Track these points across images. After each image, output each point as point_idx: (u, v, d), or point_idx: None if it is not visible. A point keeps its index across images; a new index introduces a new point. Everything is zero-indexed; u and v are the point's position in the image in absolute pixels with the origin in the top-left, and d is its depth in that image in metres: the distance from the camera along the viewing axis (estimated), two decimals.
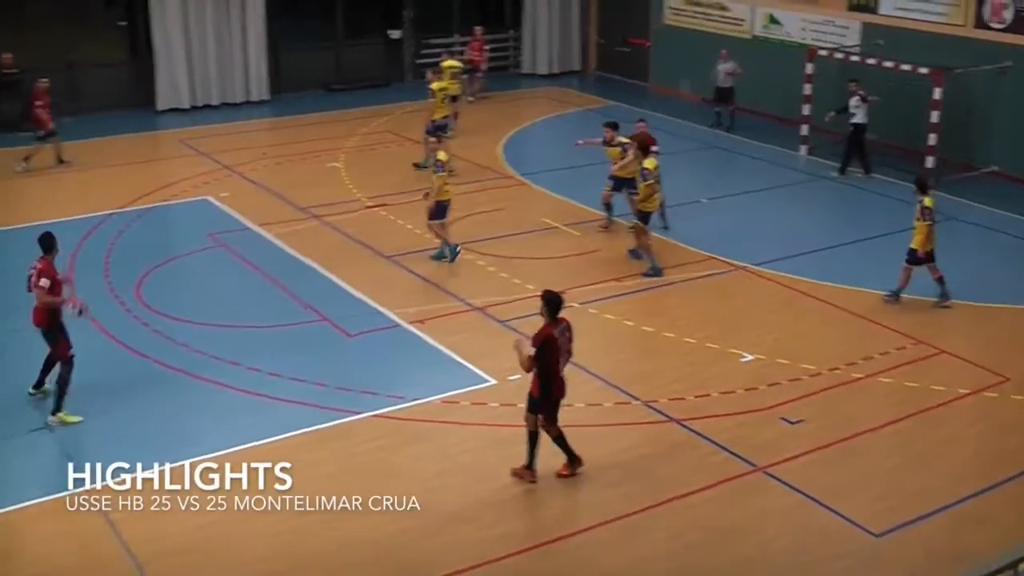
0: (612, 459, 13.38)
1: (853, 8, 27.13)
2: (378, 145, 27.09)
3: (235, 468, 13.01)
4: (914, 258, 17.32)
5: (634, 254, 19.01)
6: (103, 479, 12.38)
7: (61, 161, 25.01)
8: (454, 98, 26.66)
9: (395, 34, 34.31)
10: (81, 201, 22.70)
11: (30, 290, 13.97)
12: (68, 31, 30.71)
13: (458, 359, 15.88)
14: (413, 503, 12.40)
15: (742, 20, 30.13)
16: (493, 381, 15.18)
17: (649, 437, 13.94)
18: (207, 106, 30.92)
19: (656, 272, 18.51)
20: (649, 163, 18.58)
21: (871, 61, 24.85)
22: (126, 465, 12.93)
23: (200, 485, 12.73)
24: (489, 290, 18.10)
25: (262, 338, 16.55)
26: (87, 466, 12.79)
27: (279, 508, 12.28)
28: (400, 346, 16.42)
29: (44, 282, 13.84)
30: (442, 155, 19.16)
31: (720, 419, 14.17)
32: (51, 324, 14.05)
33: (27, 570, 11.42)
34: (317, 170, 24.92)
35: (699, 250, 19.31)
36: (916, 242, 17.25)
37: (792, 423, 14.11)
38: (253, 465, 12.91)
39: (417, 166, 24.30)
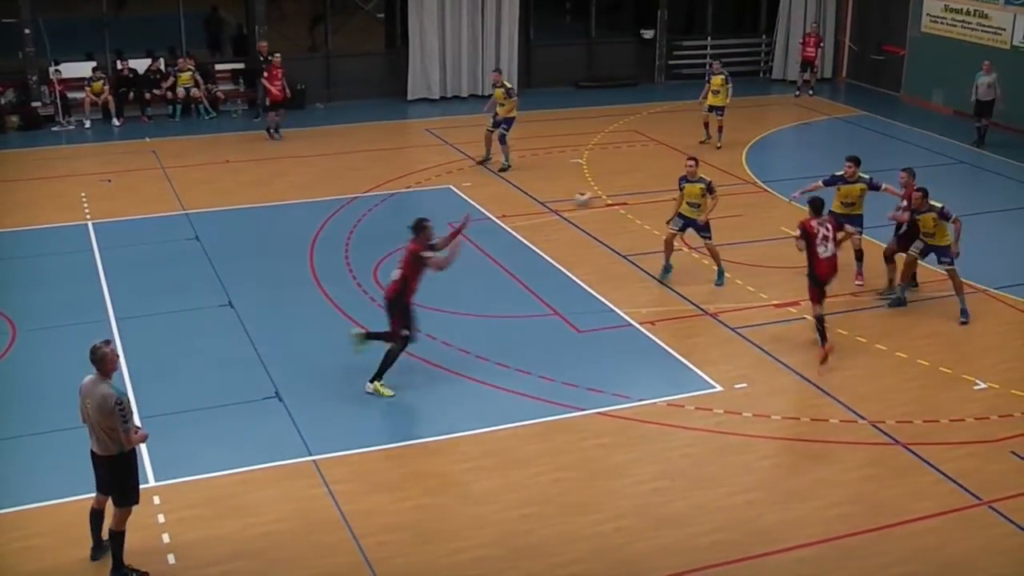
0: (835, 478, 13.25)
1: None
2: (623, 144, 27.30)
3: (458, 454, 13.54)
4: None
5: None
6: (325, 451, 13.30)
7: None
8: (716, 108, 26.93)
9: (648, 34, 34.40)
10: (328, 184, 23.74)
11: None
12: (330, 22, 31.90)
13: (686, 363, 15.95)
14: (630, 503, 12.64)
15: (1002, 29, 29.02)
16: (719, 388, 15.22)
17: (874, 459, 13.70)
18: (456, 97, 31.81)
19: None
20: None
21: None
22: (349, 440, 13.72)
23: (422, 467, 13.28)
24: (722, 296, 18.10)
25: (493, 328, 16.99)
26: (309, 439, 13.56)
27: (500, 498, 12.69)
28: (629, 346, 16.58)
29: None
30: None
31: (948, 447, 13.82)
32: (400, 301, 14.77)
33: (255, 527, 12.04)
34: (560, 165, 25.28)
35: (938, 269, 18.71)
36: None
37: (1023, 458, 13.66)
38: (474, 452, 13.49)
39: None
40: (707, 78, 27.47)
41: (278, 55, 26.98)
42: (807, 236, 15.79)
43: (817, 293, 15.98)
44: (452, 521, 12.27)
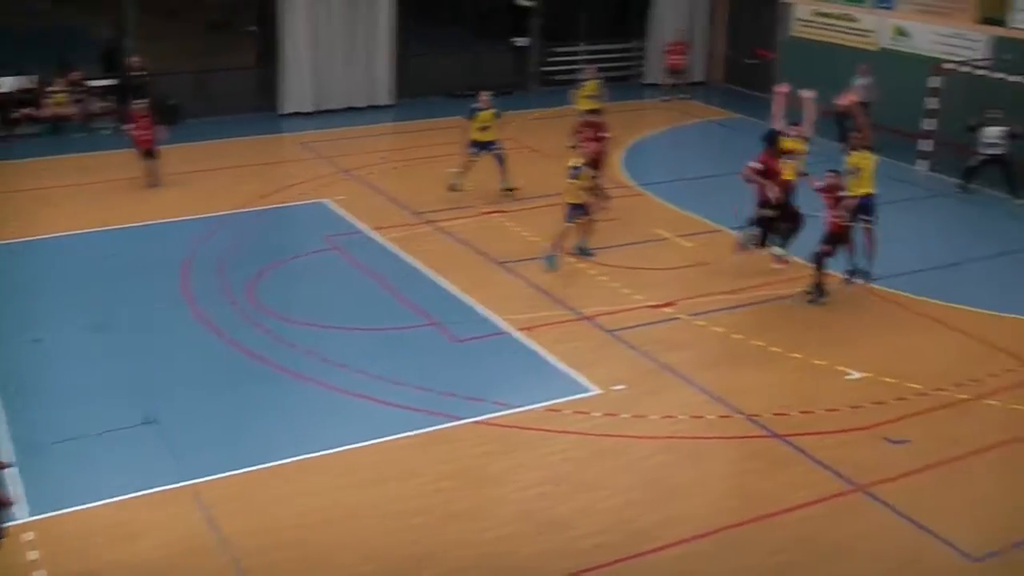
0: (713, 472, 13.42)
1: (983, 22, 26.59)
2: None
3: (339, 469, 13.40)
4: None
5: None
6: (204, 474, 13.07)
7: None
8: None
9: (521, 42, 34.49)
10: (202, 201, 23.32)
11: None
12: (199, 37, 31.43)
13: (563, 368, 15.97)
14: (513, 509, 12.63)
15: (871, 32, 29.63)
16: (597, 391, 15.27)
17: (751, 452, 13.91)
18: (330, 110, 31.50)
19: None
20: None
21: (999, 76, 24.34)
22: (229, 461, 13.44)
23: (304, 484, 13.12)
24: (599, 299, 18.17)
25: (371, 341, 16.84)
26: (185, 460, 13.35)
27: (383, 511, 12.60)
28: (506, 353, 16.57)
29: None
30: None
31: (823, 436, 14.06)
32: None
33: (130, 557, 11.76)
34: (436, 175, 25.07)
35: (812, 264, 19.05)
36: None
37: (896, 443, 13.96)
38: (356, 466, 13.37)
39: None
40: (580, 83, 27.75)
41: (141, 102, 24.90)
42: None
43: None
44: (336, 537, 12.11)
